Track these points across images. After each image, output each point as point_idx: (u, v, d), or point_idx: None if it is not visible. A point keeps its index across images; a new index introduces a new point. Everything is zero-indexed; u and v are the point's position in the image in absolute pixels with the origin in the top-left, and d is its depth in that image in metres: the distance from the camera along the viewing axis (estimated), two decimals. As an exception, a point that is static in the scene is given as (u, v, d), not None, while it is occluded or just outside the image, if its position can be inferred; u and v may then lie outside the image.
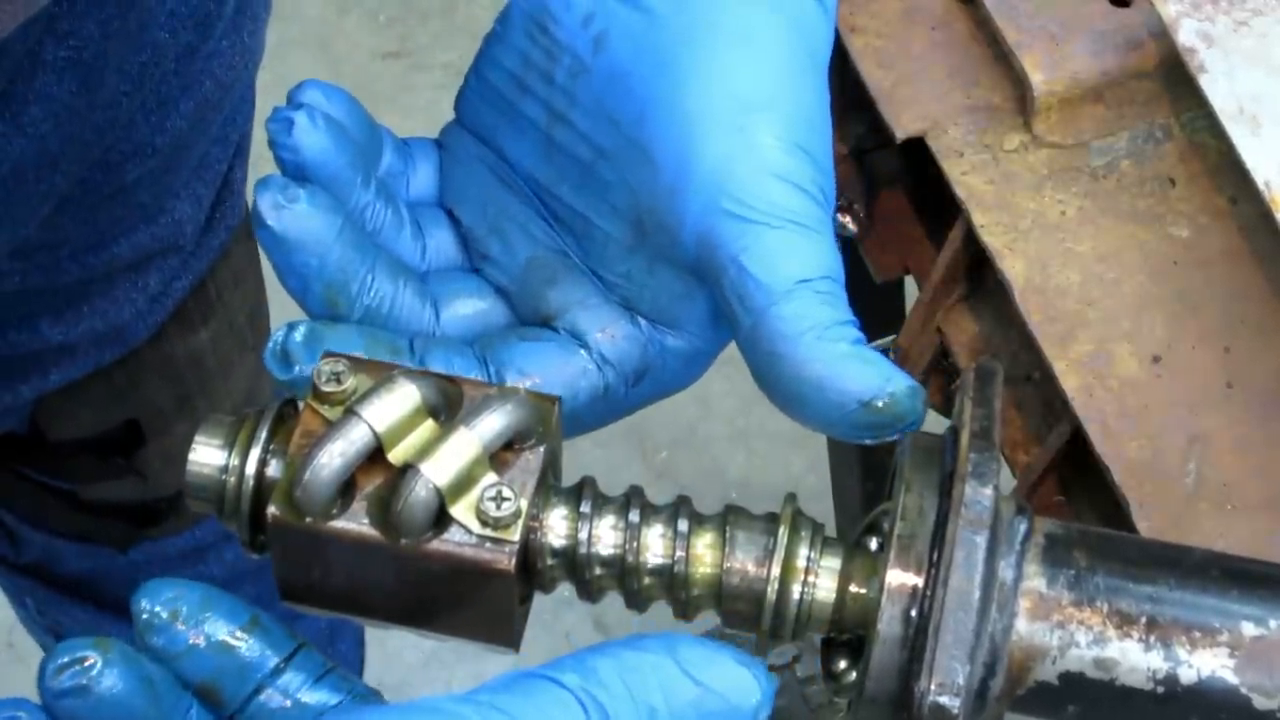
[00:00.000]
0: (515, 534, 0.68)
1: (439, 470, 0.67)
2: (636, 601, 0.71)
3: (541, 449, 0.69)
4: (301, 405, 0.70)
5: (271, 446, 0.70)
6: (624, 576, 0.70)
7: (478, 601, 0.69)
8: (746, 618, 0.69)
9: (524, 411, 0.69)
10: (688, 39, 0.74)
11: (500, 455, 0.69)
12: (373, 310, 0.76)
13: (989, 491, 0.66)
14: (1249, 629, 0.67)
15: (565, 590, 0.72)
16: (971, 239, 1.00)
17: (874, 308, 1.22)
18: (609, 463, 2.28)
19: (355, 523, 0.68)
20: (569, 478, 0.72)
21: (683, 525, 0.69)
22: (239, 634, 0.67)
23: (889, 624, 0.66)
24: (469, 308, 0.79)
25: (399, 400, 0.68)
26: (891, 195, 1.11)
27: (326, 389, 0.69)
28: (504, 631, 0.70)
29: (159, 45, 1.03)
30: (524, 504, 0.68)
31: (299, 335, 0.74)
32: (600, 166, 0.76)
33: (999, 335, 1.03)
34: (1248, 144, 0.95)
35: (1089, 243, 0.99)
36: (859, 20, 1.06)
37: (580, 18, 0.76)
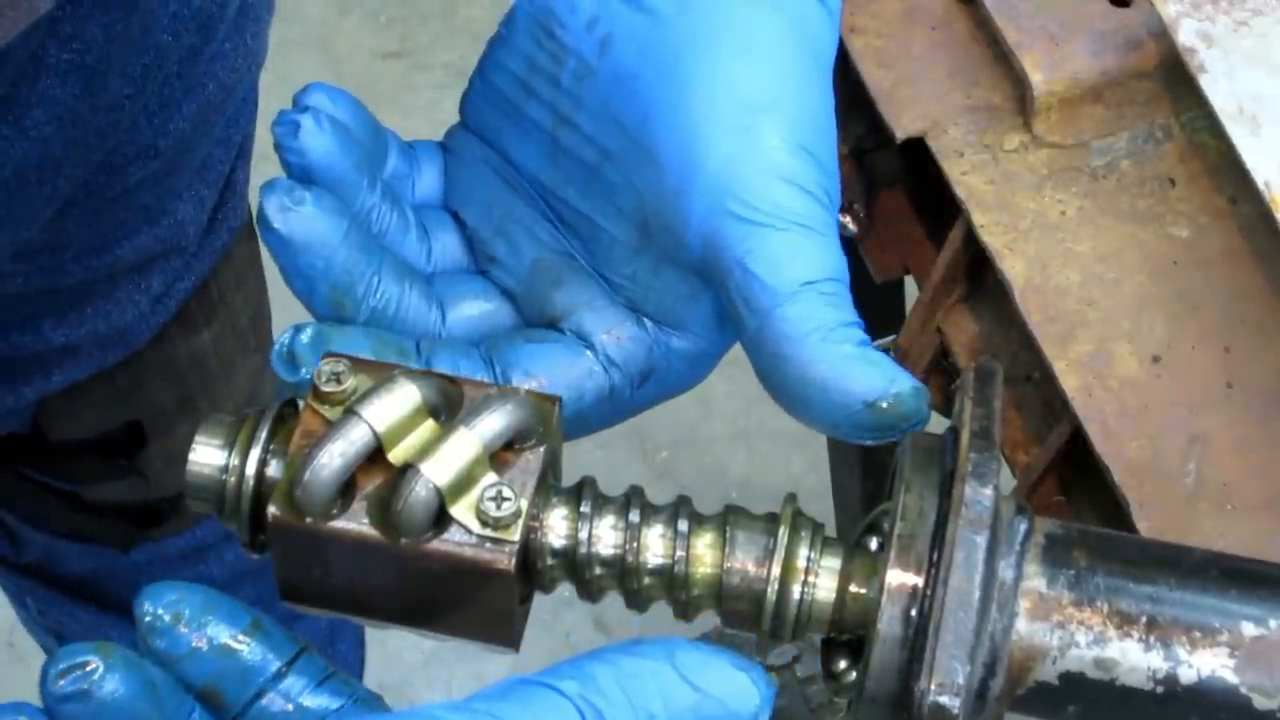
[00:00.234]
0: (515, 534, 0.68)
1: (439, 470, 0.67)
2: (636, 601, 0.71)
3: (542, 449, 0.69)
4: (302, 405, 0.70)
5: (271, 446, 0.70)
6: (624, 576, 0.70)
7: (478, 601, 0.69)
8: (746, 618, 0.69)
9: (524, 411, 0.69)
10: (693, 41, 0.74)
11: (500, 455, 0.69)
12: (379, 312, 0.76)
13: (989, 491, 0.66)
14: (1249, 629, 0.67)
15: (565, 590, 0.72)
16: (971, 239, 1.00)
17: (874, 308, 1.21)
18: (609, 463, 2.28)
19: (355, 523, 0.68)
20: (569, 478, 0.72)
21: (683, 525, 0.69)
22: (241, 637, 0.67)
23: (889, 624, 0.66)
24: (475, 309, 0.79)
25: (399, 400, 0.68)
26: (891, 195, 1.11)
27: (327, 389, 0.69)
28: (504, 631, 0.70)
29: (162, 48, 1.03)
30: (524, 504, 0.68)
31: (306, 337, 0.74)
32: (606, 169, 0.76)
33: (999, 335, 1.03)
34: (1248, 144, 0.95)
35: (1089, 243, 0.99)
36: (859, 20, 1.06)
37: (585, 21, 0.76)
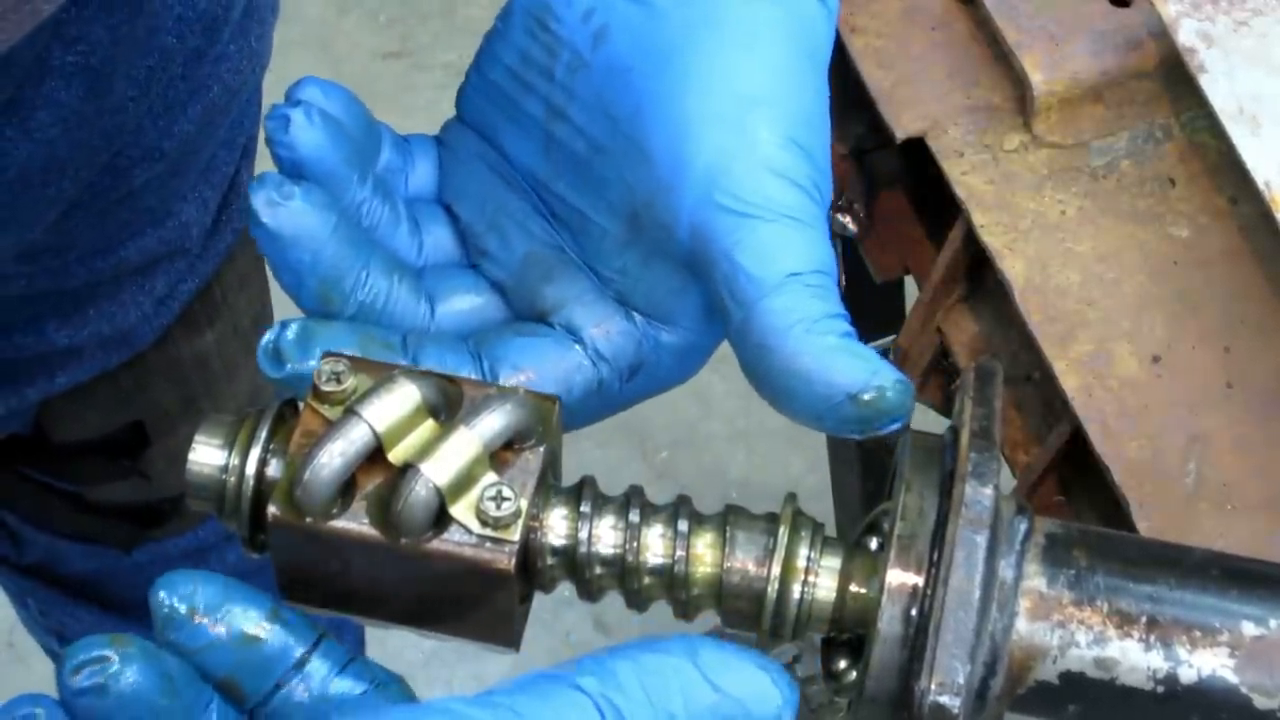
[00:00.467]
0: (515, 534, 0.68)
1: (439, 470, 0.67)
2: (637, 601, 0.71)
3: (541, 449, 0.69)
4: (302, 405, 0.70)
5: (271, 446, 0.70)
6: (624, 576, 0.70)
7: (478, 601, 0.69)
8: (747, 617, 0.69)
9: (524, 411, 0.69)
10: (687, 34, 0.74)
11: (500, 455, 0.69)
12: (367, 306, 0.76)
13: (989, 491, 0.66)
14: (1249, 629, 0.67)
15: (565, 590, 0.72)
16: (971, 239, 1.00)
17: (874, 308, 1.22)
18: (609, 463, 2.28)
19: (355, 522, 0.68)
20: (569, 478, 0.72)
21: (683, 525, 0.69)
22: (261, 626, 0.67)
23: (889, 623, 0.66)
24: (465, 303, 0.79)
25: (399, 400, 0.68)
26: (891, 195, 1.11)
27: (327, 388, 0.69)
28: (504, 631, 0.70)
29: (167, 50, 1.03)
30: (524, 504, 0.68)
31: (291, 333, 0.74)
32: (597, 162, 0.76)
33: (999, 335, 1.03)
34: (1248, 144, 0.95)
35: (1089, 243, 0.99)
36: (859, 20, 1.06)
37: (581, 13, 0.76)
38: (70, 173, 1.02)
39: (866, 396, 0.69)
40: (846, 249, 1.13)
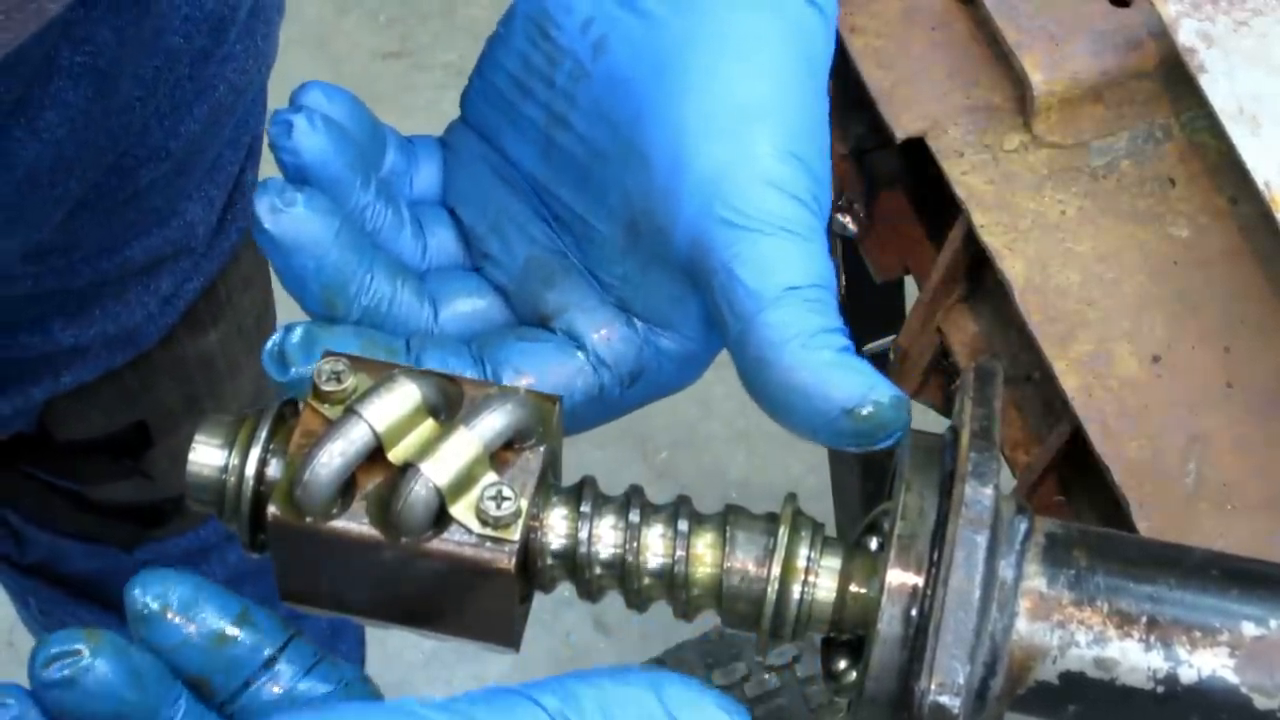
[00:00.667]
0: (515, 534, 0.68)
1: (439, 469, 0.67)
2: (637, 601, 0.71)
3: (542, 449, 0.69)
4: (302, 405, 0.70)
5: (271, 446, 0.70)
6: (624, 576, 0.70)
7: (478, 601, 0.69)
8: (747, 617, 0.69)
9: (524, 411, 0.69)
10: (687, 45, 0.74)
11: (500, 455, 0.69)
12: (371, 310, 0.76)
13: (989, 491, 0.66)
14: (1249, 629, 0.67)
15: (565, 590, 0.72)
16: (971, 239, 1.00)
17: (874, 308, 1.22)
18: (609, 463, 2.28)
19: (355, 522, 0.68)
20: (569, 478, 0.72)
21: (683, 525, 0.69)
22: (231, 627, 0.68)
23: (889, 624, 0.66)
24: (468, 307, 0.79)
25: (399, 399, 0.68)
26: (891, 195, 1.11)
27: (327, 388, 0.69)
28: (504, 631, 0.70)
29: (173, 50, 1.03)
30: (524, 503, 0.68)
31: (295, 337, 0.74)
32: (597, 168, 0.76)
33: (999, 335, 1.03)
34: (1248, 144, 0.95)
35: (1089, 243, 0.99)
36: (859, 20, 1.06)
37: (580, 22, 0.76)
38: (77, 173, 1.02)
39: (863, 411, 0.69)
40: (846, 249, 1.13)
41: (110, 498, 1.37)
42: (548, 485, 0.70)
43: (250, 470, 0.70)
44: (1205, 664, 0.67)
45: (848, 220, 1.11)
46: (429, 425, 0.69)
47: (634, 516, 0.70)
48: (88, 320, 1.19)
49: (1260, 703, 0.67)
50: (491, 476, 0.68)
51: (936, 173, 1.02)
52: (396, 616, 0.71)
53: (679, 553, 0.69)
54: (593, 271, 0.78)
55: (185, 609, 0.68)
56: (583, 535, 0.69)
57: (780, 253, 0.71)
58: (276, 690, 0.68)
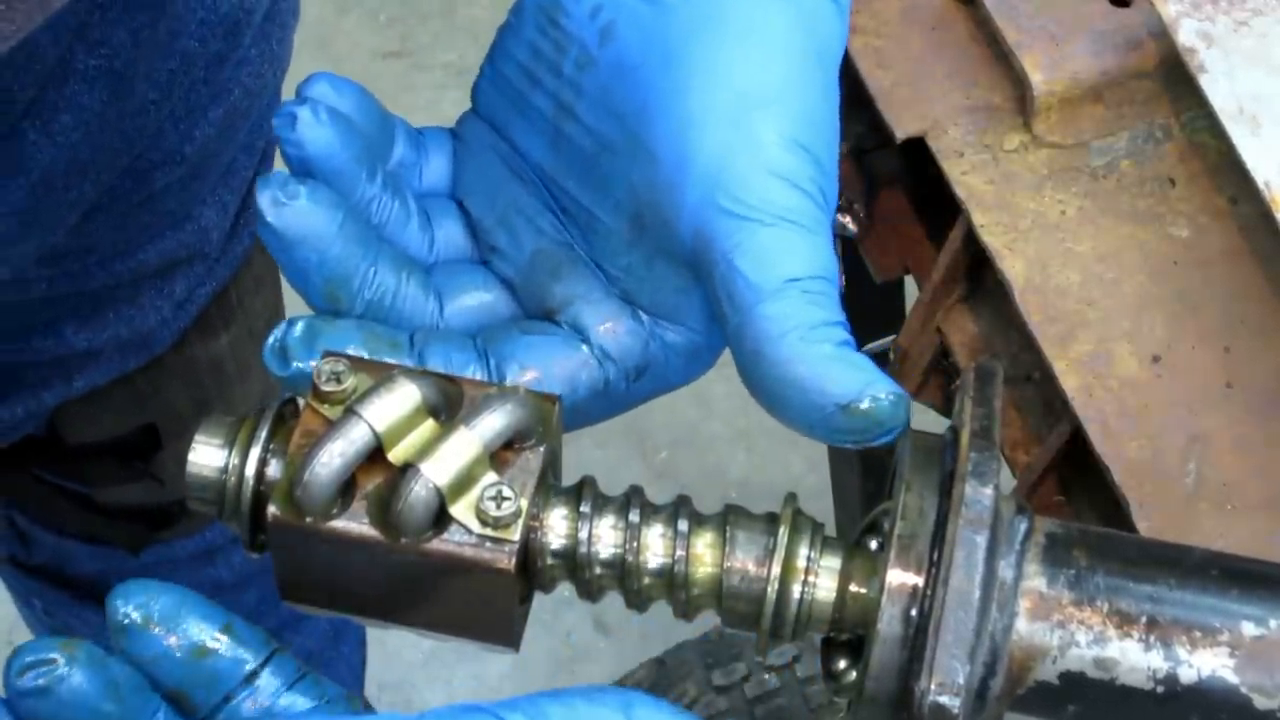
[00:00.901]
0: (515, 534, 0.68)
1: (439, 470, 0.67)
2: (637, 601, 0.71)
3: (541, 449, 0.69)
4: (302, 405, 0.70)
5: (271, 446, 0.70)
6: (624, 576, 0.70)
7: (478, 601, 0.69)
8: (746, 617, 0.69)
9: (524, 411, 0.69)
10: (695, 31, 0.73)
11: (500, 455, 0.69)
12: (374, 304, 0.76)
13: (989, 491, 0.66)
14: (1249, 629, 0.67)
15: (565, 590, 0.72)
16: (971, 239, 1.00)
17: (874, 308, 1.22)
18: (609, 463, 2.28)
19: (355, 522, 0.68)
20: (569, 478, 0.72)
21: (683, 525, 0.69)
22: (213, 640, 0.67)
23: (889, 623, 0.66)
24: (474, 300, 0.79)
25: (399, 400, 0.68)
26: (891, 195, 1.11)
27: (326, 388, 0.69)
28: (504, 631, 0.70)
29: (189, 53, 1.03)
30: (524, 503, 0.68)
31: (297, 331, 0.74)
32: (604, 159, 0.76)
33: (999, 335, 1.03)
34: (1248, 144, 0.95)
35: (1089, 243, 0.99)
36: (859, 20, 1.06)
37: (589, 9, 0.75)
38: (91, 176, 1.02)
39: (860, 407, 0.69)
40: (846, 249, 1.13)
41: (118, 500, 1.37)
42: (548, 485, 0.70)
43: (250, 470, 0.70)
44: (1205, 664, 0.67)
45: (848, 220, 1.11)
46: (429, 425, 0.69)
47: (634, 516, 0.70)
48: (101, 324, 1.18)
49: (1260, 703, 0.67)
50: (491, 476, 0.68)
51: (936, 173, 1.02)
52: (397, 616, 0.71)
53: (679, 553, 0.69)
54: (599, 264, 0.78)
55: (167, 620, 0.67)
56: (583, 535, 0.69)
57: (782, 244, 0.70)
58: (256, 706, 0.67)
